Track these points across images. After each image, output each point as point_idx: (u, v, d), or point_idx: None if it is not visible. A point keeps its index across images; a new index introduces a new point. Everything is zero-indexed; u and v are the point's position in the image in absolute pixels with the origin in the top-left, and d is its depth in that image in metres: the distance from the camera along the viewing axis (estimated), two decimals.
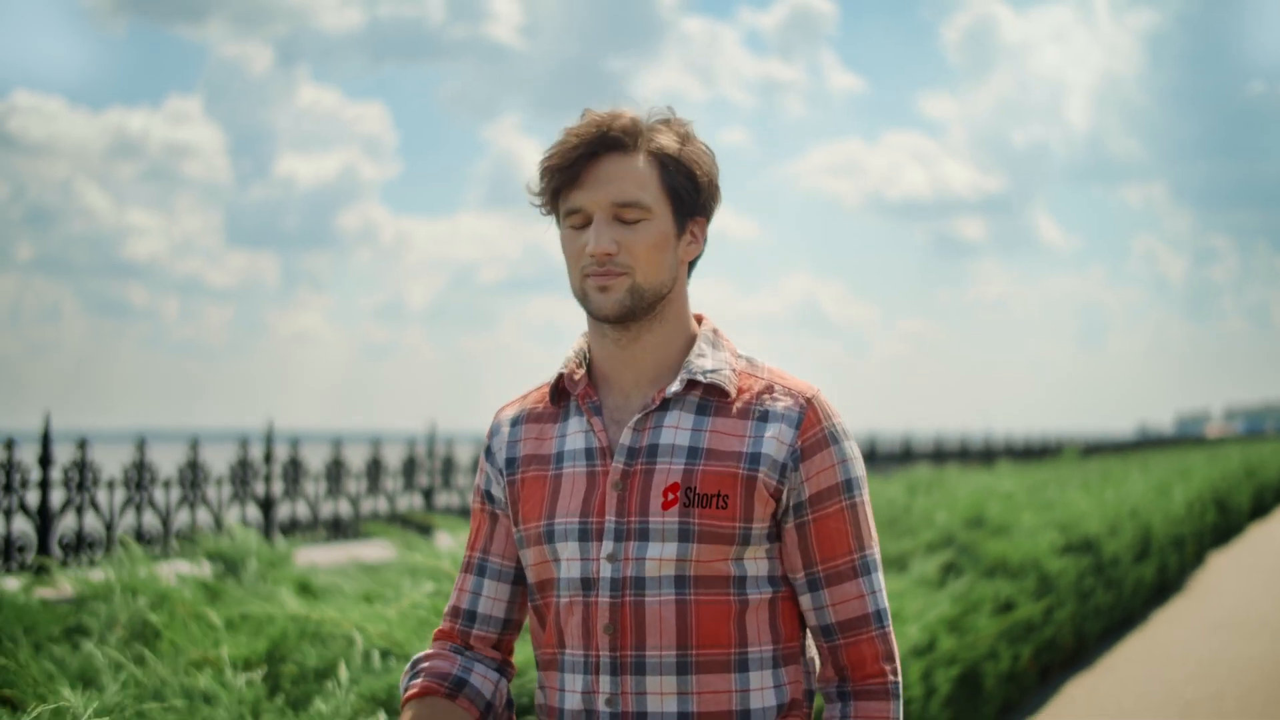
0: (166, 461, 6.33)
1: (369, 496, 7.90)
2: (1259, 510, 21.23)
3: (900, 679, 1.81)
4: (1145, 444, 32.08)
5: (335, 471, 7.65)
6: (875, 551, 1.81)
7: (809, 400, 1.78)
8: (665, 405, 1.79)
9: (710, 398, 1.79)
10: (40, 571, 5.07)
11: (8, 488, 5.68)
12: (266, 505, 7.05)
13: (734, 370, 1.81)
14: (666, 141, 1.77)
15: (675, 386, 1.78)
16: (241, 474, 6.90)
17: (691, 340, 1.83)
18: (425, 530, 6.85)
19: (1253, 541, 16.97)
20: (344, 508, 7.73)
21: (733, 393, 1.79)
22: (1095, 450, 25.35)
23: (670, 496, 1.74)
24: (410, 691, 1.82)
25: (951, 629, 5.42)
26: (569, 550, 1.78)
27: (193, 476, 6.41)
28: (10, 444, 5.78)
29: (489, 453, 1.91)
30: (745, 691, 1.75)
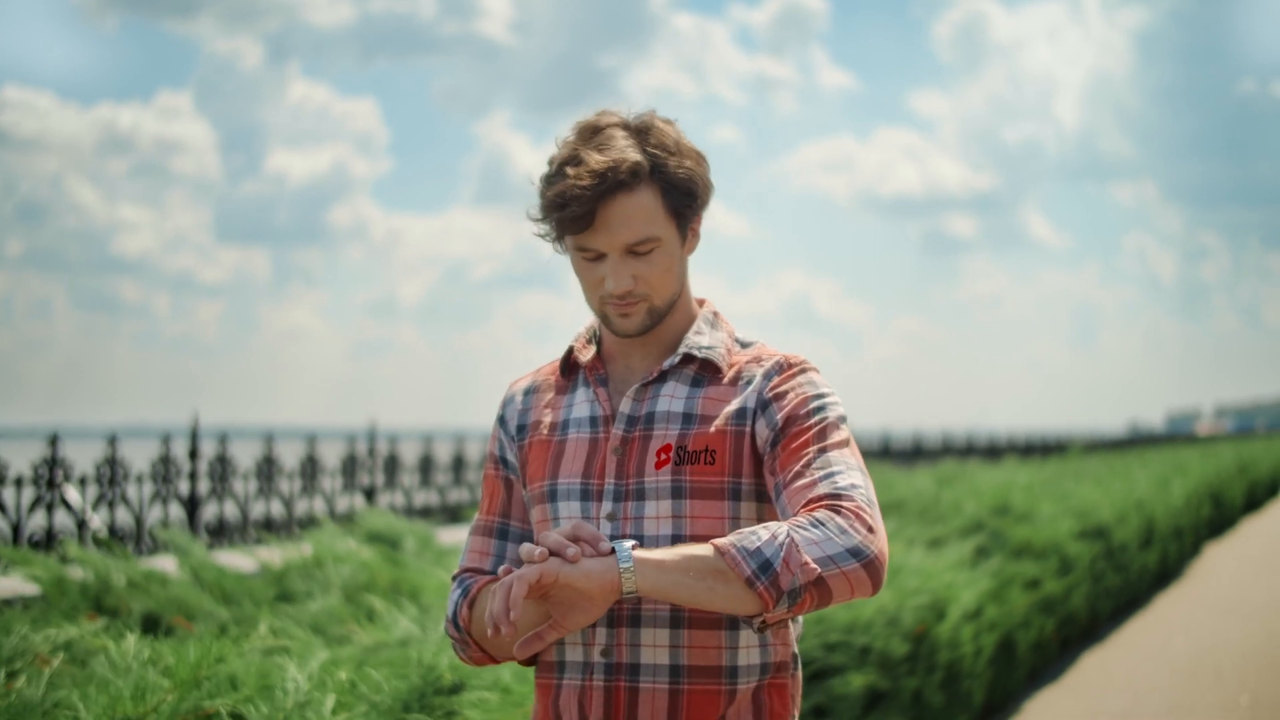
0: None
1: (304, 496, 7.55)
2: (1251, 505, 22.12)
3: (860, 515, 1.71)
4: (1137, 441, 32.88)
5: (267, 470, 7.26)
6: (844, 454, 1.78)
7: (789, 358, 1.88)
8: (663, 377, 1.89)
9: (704, 372, 1.89)
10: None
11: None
12: (191, 505, 6.76)
13: (728, 349, 1.92)
14: (665, 167, 1.81)
15: (673, 360, 1.89)
16: (164, 472, 6.55)
17: (692, 320, 1.94)
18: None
19: (1245, 534, 17.86)
20: (276, 508, 7.38)
21: (724, 368, 1.89)
22: (1095, 447, 26.22)
23: (663, 457, 1.83)
24: (483, 580, 1.89)
25: (993, 599, 6.25)
26: (569, 509, 1.86)
27: (111, 474, 6.15)
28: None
29: (502, 420, 1.99)
30: (734, 649, 1.82)
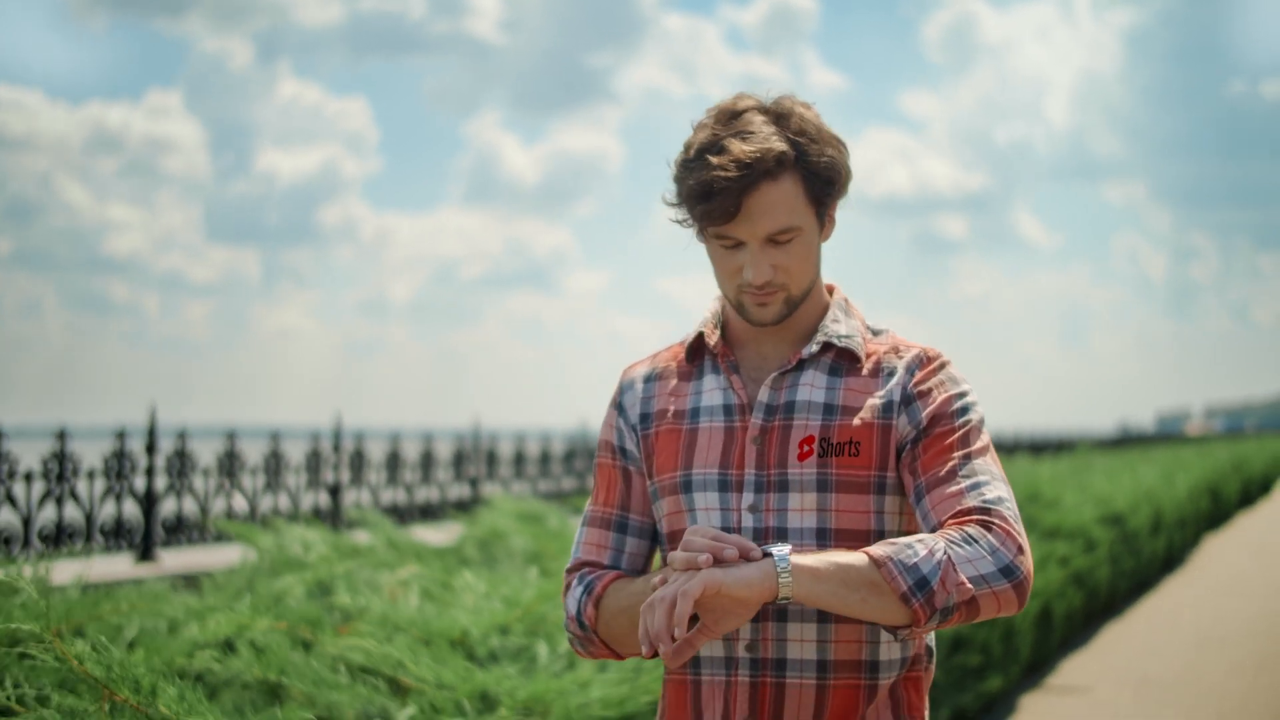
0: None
1: (268, 493, 7.42)
2: (1245, 500, 23.20)
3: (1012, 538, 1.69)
4: (1128, 442, 33.86)
5: (229, 465, 7.09)
6: (987, 463, 1.76)
7: (927, 351, 1.84)
8: (800, 365, 1.83)
9: (842, 361, 1.83)
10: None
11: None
12: (147, 501, 6.58)
13: (864, 338, 1.86)
14: (808, 155, 1.77)
15: (812, 348, 1.83)
16: (118, 468, 6.37)
17: (825, 308, 1.88)
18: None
19: (1241, 527, 18.95)
20: (239, 504, 7.20)
21: (862, 357, 1.83)
22: (1098, 446, 27.26)
23: (806, 448, 1.77)
24: (608, 577, 1.84)
25: (1036, 571, 7.28)
26: (707, 500, 1.80)
27: (59, 470, 5.97)
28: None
29: (621, 408, 1.92)
30: (876, 643, 1.78)
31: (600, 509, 1.91)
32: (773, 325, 1.83)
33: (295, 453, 7.45)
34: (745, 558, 1.63)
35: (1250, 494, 24.28)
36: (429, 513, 8.59)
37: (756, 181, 1.73)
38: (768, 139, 1.74)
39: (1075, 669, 7.87)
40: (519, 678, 3.02)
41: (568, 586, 1.87)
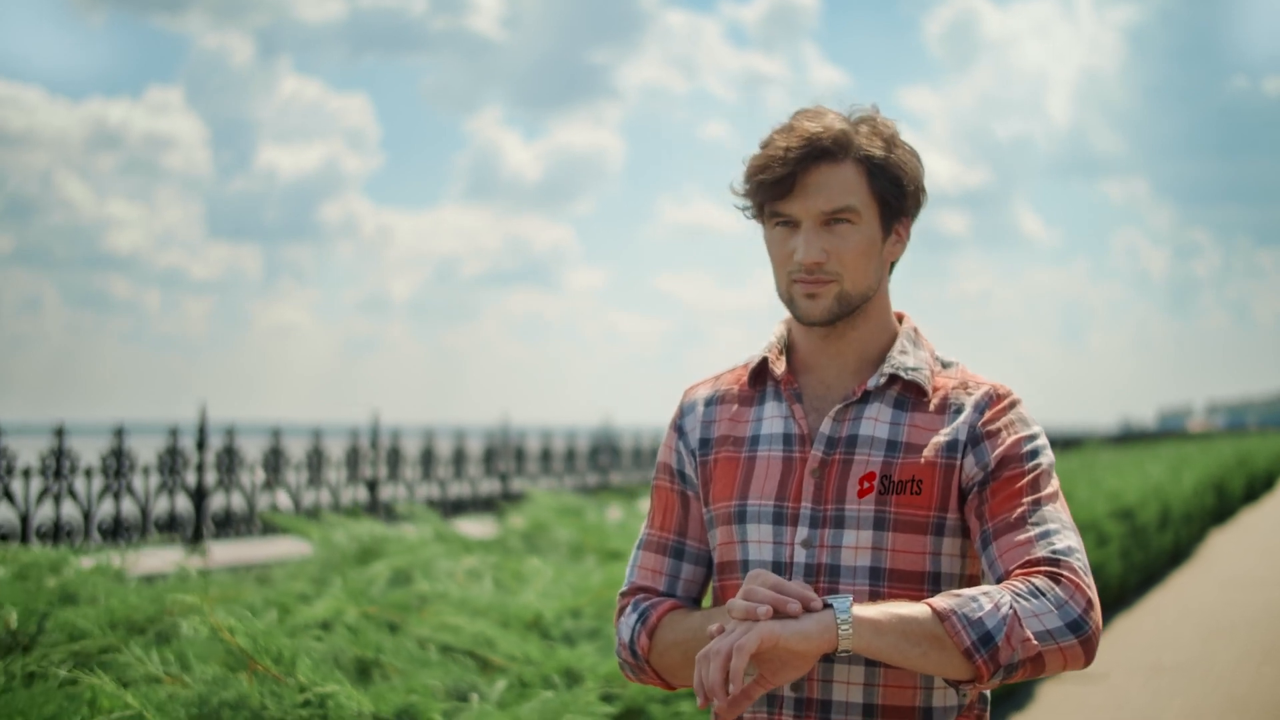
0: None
1: (310, 488, 7.68)
2: (1249, 496, 23.49)
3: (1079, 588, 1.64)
4: (1130, 438, 34.09)
5: (274, 462, 7.38)
6: (1056, 510, 1.71)
7: (997, 389, 1.79)
8: (865, 398, 1.78)
9: (908, 394, 1.79)
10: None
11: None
12: (198, 496, 6.82)
13: (931, 371, 1.81)
14: (874, 148, 1.76)
15: (878, 380, 1.78)
16: (171, 463, 6.62)
17: (893, 337, 1.83)
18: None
19: (1246, 522, 19.24)
20: (283, 499, 7.46)
21: (929, 391, 1.79)
22: (1105, 442, 27.56)
23: (866, 485, 1.73)
24: (662, 607, 1.80)
25: None
26: (760, 533, 1.77)
27: (117, 466, 6.21)
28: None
29: (681, 431, 1.89)
30: (930, 689, 1.73)
31: (657, 533, 1.88)
32: (824, 325, 1.78)
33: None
34: (806, 609, 1.59)
35: (1254, 490, 24.57)
36: (460, 507, 8.87)
37: (816, 158, 1.73)
38: (834, 121, 1.76)
39: None
40: (597, 655, 3.30)
41: (621, 610, 1.85)
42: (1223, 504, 18.72)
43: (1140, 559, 10.83)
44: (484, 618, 3.56)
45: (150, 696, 2.44)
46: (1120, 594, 10.25)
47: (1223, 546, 15.37)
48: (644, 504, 7.62)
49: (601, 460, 10.70)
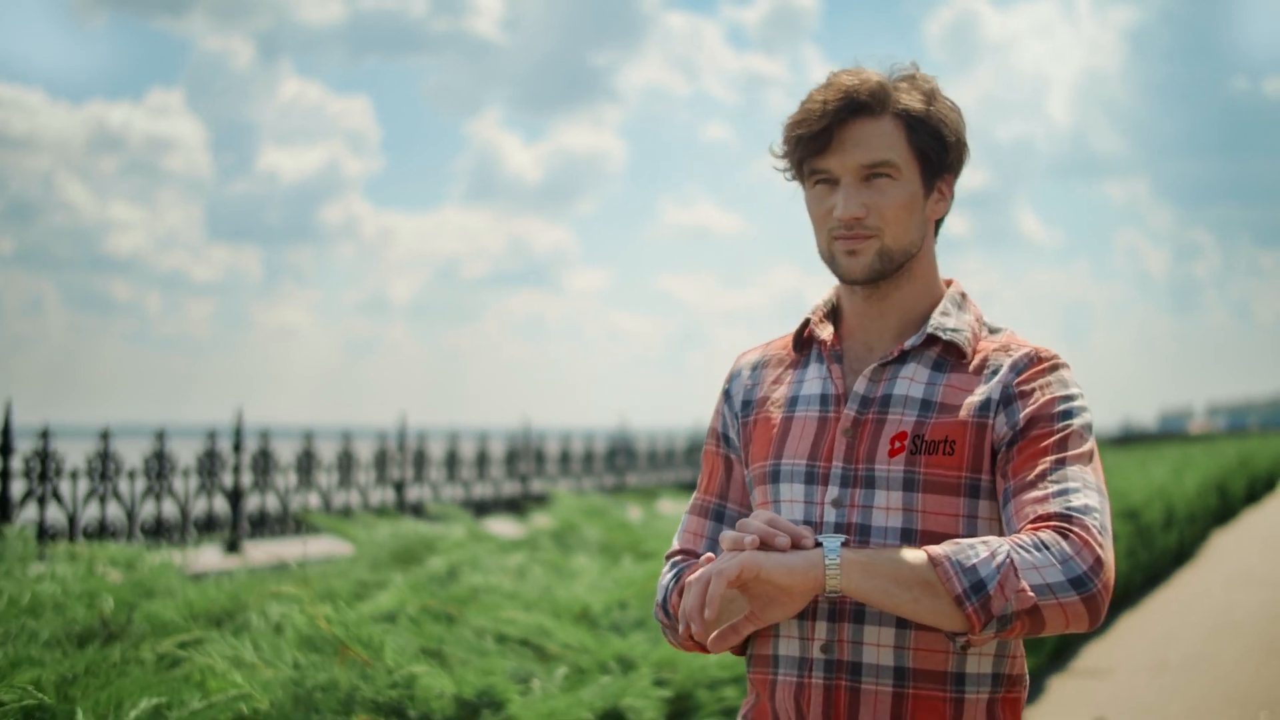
0: (135, 454, 6.67)
1: (340, 489, 7.93)
2: (1251, 497, 23.71)
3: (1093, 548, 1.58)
4: (1131, 439, 34.28)
5: (306, 464, 7.65)
6: (1081, 470, 1.65)
7: (1040, 351, 1.75)
8: (903, 358, 1.76)
9: (948, 356, 1.76)
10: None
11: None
12: (235, 497, 7.06)
13: (974, 333, 1.78)
14: (912, 102, 1.73)
15: (915, 340, 1.76)
16: (209, 465, 6.91)
17: (938, 299, 1.81)
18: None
19: (1248, 523, 19.47)
20: (315, 500, 7.71)
21: (969, 353, 1.75)
22: (1105, 444, 27.79)
23: (898, 445, 1.71)
24: (694, 568, 1.72)
25: None
26: (792, 492, 1.75)
27: (159, 468, 6.51)
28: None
29: (728, 395, 1.89)
30: (963, 654, 1.69)
31: (701, 497, 1.89)
32: (865, 283, 1.76)
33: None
34: (797, 546, 1.58)
35: (1256, 491, 24.80)
36: (484, 508, 9.16)
37: (854, 113, 1.71)
38: (872, 76, 1.74)
39: (1097, 654, 8.39)
40: (648, 644, 3.53)
41: (663, 575, 1.86)
42: (1225, 504, 18.95)
43: (1145, 558, 11.07)
44: (536, 609, 3.79)
45: (253, 679, 2.67)
46: (1126, 592, 10.48)
47: (1225, 546, 15.61)
48: (661, 505, 7.87)
49: (618, 462, 10.93)
